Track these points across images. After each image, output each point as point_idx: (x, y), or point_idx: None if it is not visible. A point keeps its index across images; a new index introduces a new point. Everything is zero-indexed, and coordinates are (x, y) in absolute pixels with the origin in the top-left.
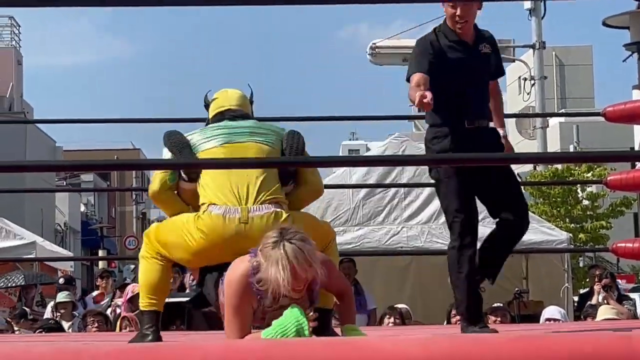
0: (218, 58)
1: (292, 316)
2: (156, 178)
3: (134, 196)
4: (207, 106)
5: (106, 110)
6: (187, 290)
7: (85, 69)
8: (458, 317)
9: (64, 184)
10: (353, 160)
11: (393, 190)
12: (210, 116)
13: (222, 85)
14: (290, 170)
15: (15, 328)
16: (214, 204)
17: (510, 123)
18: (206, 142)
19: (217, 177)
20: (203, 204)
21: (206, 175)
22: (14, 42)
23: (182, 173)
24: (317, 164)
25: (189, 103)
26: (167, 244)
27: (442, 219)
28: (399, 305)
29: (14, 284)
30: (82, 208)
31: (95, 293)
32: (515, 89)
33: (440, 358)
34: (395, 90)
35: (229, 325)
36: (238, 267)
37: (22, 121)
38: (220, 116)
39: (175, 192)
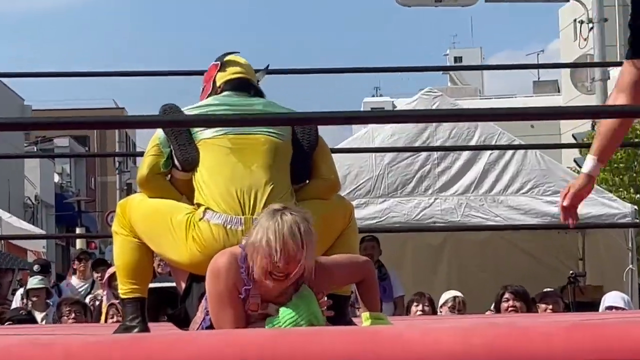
0: (225, 9)
1: (302, 304)
2: (145, 162)
3: (117, 164)
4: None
5: (82, 64)
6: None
7: (51, 14)
8: (511, 303)
9: (35, 150)
10: (379, 115)
11: (424, 154)
12: (220, 82)
13: (227, 40)
14: (307, 167)
15: None
16: (211, 209)
17: (565, 74)
18: (207, 129)
19: (218, 178)
20: (199, 204)
21: (204, 170)
22: None
23: (175, 161)
24: (339, 121)
25: (178, 54)
26: (144, 234)
27: (483, 188)
28: (455, 293)
29: None
30: (56, 178)
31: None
32: (570, 34)
33: (481, 352)
34: (426, 36)
35: (219, 320)
36: (224, 254)
37: None
38: (236, 86)
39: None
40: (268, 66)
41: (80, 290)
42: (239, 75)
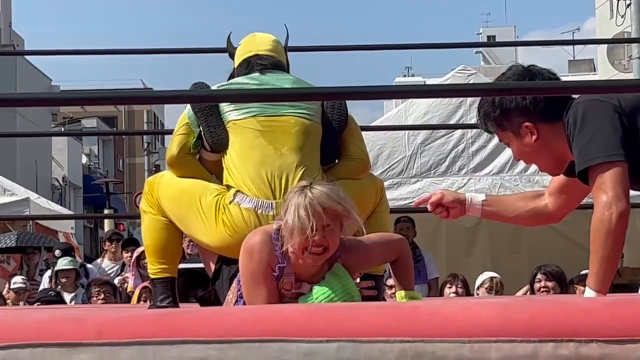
0: None
1: (336, 281)
2: (174, 141)
3: (145, 145)
4: (231, 54)
5: (110, 43)
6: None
7: None
8: (543, 284)
9: (62, 130)
10: (414, 91)
11: (458, 133)
12: (235, 65)
13: (251, 14)
14: (337, 147)
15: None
16: (242, 192)
17: (601, 52)
18: (236, 110)
19: (248, 161)
20: (228, 186)
21: (234, 153)
22: None
23: (204, 142)
24: (371, 95)
25: (206, 33)
26: (173, 214)
27: (518, 168)
28: (492, 274)
29: (5, 246)
30: (84, 160)
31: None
32: (607, 11)
33: (522, 327)
34: (458, 15)
35: (252, 299)
36: (258, 232)
37: (9, 53)
38: (248, 66)
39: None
40: (287, 37)
41: (109, 272)
42: (247, 55)
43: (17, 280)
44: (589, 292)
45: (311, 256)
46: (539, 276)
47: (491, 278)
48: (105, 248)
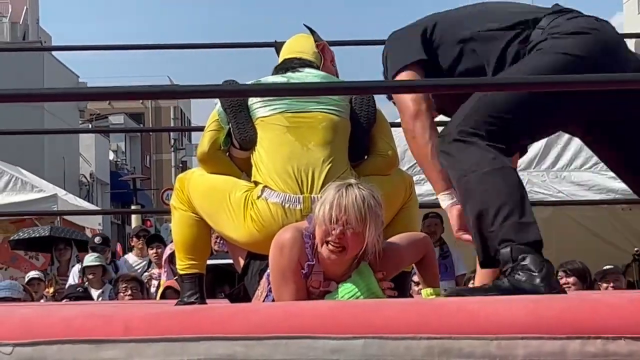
0: None
1: (360, 280)
2: (206, 137)
3: (172, 141)
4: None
5: (137, 41)
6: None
7: None
8: (564, 280)
9: (90, 127)
10: (439, 85)
11: None
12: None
13: (275, 9)
14: (366, 143)
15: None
16: (269, 187)
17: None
18: (264, 107)
19: (275, 157)
20: (256, 182)
21: (262, 149)
22: None
23: (233, 139)
24: (399, 89)
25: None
26: (203, 211)
27: (545, 164)
28: None
29: (37, 235)
30: (111, 156)
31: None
32: (634, 7)
33: (548, 323)
34: None
35: (280, 295)
36: (289, 228)
37: (37, 49)
38: (277, 70)
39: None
40: (314, 33)
41: (137, 267)
42: (291, 56)
43: (30, 274)
44: (443, 200)
45: (329, 252)
46: (559, 274)
47: None
48: (133, 244)
